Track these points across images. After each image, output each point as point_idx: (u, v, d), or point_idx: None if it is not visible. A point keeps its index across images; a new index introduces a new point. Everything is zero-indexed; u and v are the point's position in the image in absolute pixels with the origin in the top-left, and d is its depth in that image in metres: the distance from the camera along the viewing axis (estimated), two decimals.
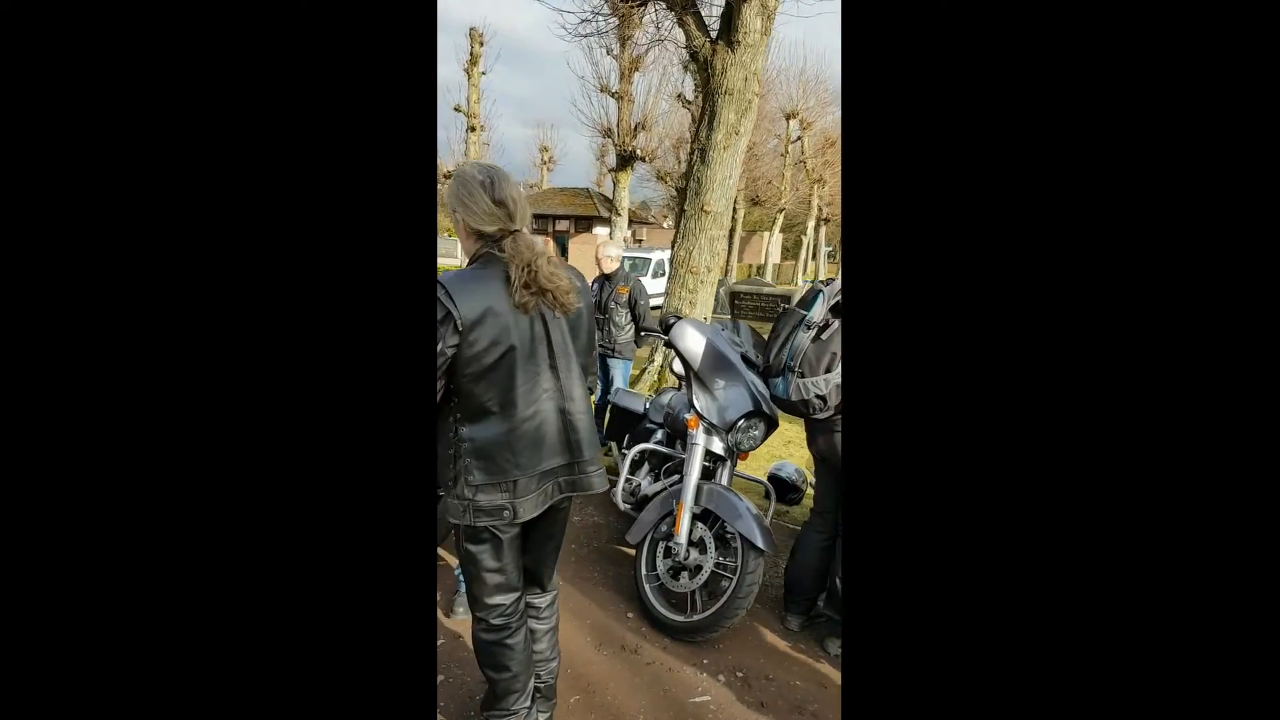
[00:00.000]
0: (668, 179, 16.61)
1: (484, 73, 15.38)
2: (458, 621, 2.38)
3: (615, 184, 13.32)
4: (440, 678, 2.10)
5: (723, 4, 5.23)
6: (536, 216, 19.95)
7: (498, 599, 1.62)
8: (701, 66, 5.22)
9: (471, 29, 15.00)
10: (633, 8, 7.00)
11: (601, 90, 13.02)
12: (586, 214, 18.84)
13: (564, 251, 19.50)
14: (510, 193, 1.47)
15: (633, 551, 2.69)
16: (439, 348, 1.36)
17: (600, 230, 18.71)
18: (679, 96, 12.61)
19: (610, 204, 18.46)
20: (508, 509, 1.49)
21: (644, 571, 2.39)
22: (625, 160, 12.78)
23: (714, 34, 5.20)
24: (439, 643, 2.26)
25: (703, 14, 5.39)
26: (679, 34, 5.93)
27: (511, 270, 1.43)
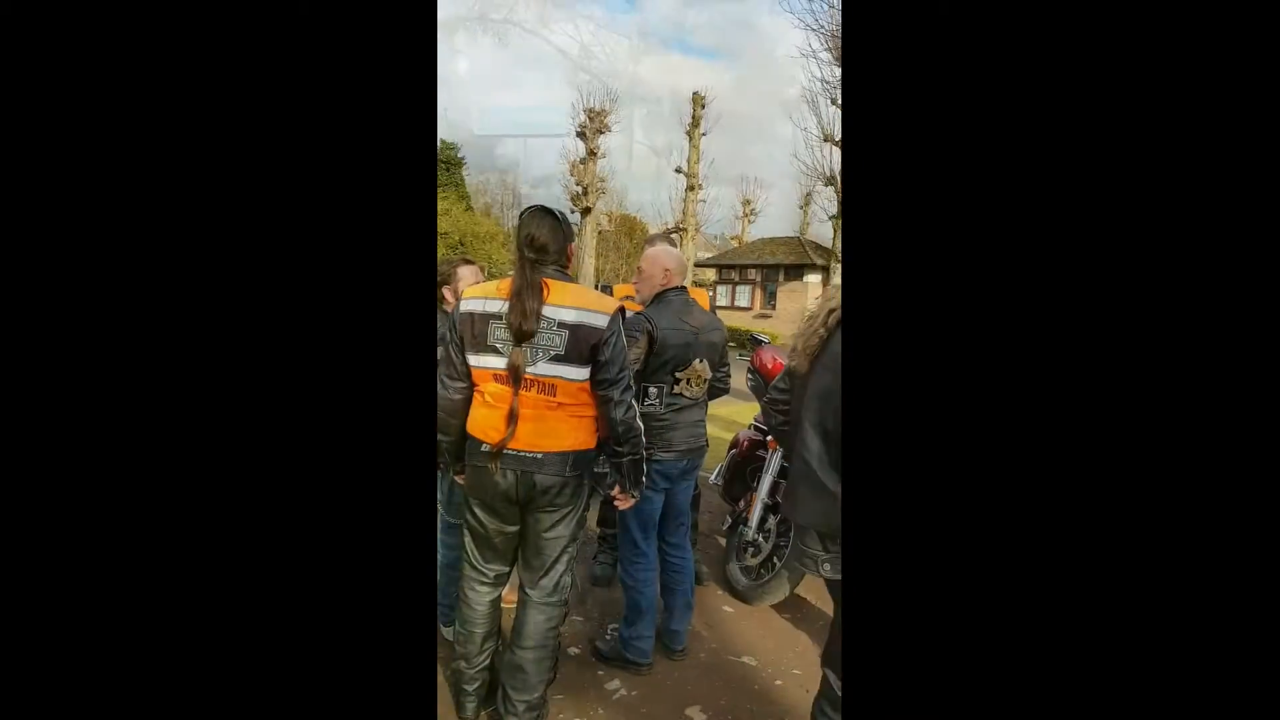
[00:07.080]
0: None
1: (704, 134, 16.32)
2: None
3: (835, 232, 13.27)
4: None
5: None
6: (745, 267, 20.35)
7: None
8: None
9: (695, 93, 16.07)
10: None
11: (825, 139, 13.18)
12: (798, 262, 18.82)
13: (773, 299, 19.57)
14: None
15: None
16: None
17: (811, 278, 18.56)
18: None
19: (824, 251, 18.32)
20: None
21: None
22: None
23: None
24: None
25: None
26: None
27: None
